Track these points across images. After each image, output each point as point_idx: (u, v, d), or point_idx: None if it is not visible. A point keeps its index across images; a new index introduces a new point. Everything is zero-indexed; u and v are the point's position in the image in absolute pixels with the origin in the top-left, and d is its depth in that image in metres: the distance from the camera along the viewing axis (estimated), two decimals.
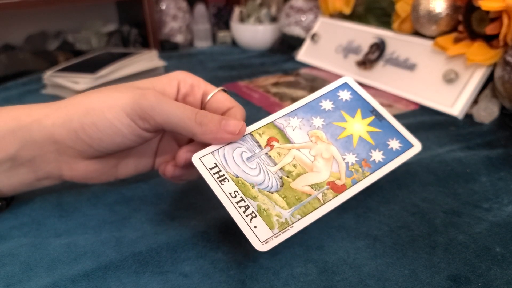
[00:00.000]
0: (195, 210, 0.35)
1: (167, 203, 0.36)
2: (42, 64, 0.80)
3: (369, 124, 0.32)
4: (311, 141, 0.31)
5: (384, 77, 0.64)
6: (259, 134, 0.31)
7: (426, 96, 0.58)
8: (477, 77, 0.54)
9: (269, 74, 0.75)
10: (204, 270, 0.28)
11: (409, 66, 0.61)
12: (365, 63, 0.66)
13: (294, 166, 0.29)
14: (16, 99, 0.65)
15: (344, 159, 0.30)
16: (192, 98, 0.33)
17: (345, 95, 0.33)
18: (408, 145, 0.32)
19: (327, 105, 0.33)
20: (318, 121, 0.32)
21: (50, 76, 0.65)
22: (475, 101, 0.55)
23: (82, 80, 0.62)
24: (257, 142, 0.30)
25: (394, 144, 0.31)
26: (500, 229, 0.32)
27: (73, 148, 0.30)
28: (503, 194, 0.37)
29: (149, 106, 0.28)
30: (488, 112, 0.53)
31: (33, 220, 0.34)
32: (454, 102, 0.55)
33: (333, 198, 0.28)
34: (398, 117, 0.55)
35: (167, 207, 0.35)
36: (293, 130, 0.31)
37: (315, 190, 0.29)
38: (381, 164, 0.30)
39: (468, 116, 0.54)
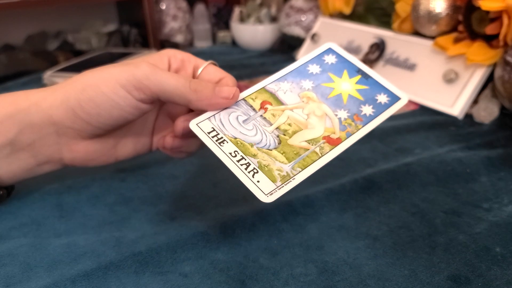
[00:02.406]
0: (195, 210, 0.35)
1: (167, 203, 0.36)
2: (42, 64, 0.80)
3: (357, 83, 0.33)
4: (303, 101, 0.32)
5: (384, 77, 0.64)
6: (252, 99, 0.32)
7: (426, 96, 0.58)
8: (477, 77, 0.54)
9: (269, 74, 0.75)
10: (204, 270, 0.28)
11: (409, 66, 0.61)
12: (365, 63, 0.66)
13: (289, 125, 0.30)
14: None
15: (336, 115, 0.31)
16: (183, 72, 0.34)
17: (330, 59, 0.35)
18: (395, 98, 0.33)
19: (314, 69, 0.34)
20: (307, 84, 0.33)
21: (50, 76, 0.65)
22: (475, 101, 0.55)
23: None
24: (251, 106, 0.31)
25: (382, 98, 0.32)
26: (500, 229, 0.32)
27: (72, 128, 0.31)
28: (503, 194, 0.37)
29: (143, 76, 0.29)
30: (488, 112, 0.53)
31: (33, 220, 0.34)
32: (454, 102, 0.55)
33: (330, 150, 0.29)
34: (398, 117, 0.55)
35: (167, 207, 0.35)
36: (284, 93, 0.32)
37: (312, 145, 0.29)
38: (372, 117, 0.31)
39: (468, 116, 0.54)
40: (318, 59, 0.35)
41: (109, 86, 0.29)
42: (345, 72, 0.34)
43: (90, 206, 0.36)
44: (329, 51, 0.35)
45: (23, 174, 0.33)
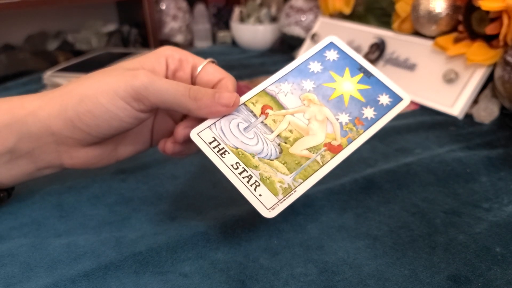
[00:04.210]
0: (195, 210, 0.35)
1: (167, 203, 0.36)
2: (42, 64, 0.80)
3: (359, 82, 0.33)
4: (304, 104, 0.31)
5: None
6: (253, 103, 0.31)
7: (426, 96, 0.58)
8: (477, 77, 0.54)
9: (269, 74, 0.75)
10: (204, 270, 0.28)
11: (409, 66, 0.61)
12: None
13: (290, 131, 0.30)
14: None
15: (337, 119, 0.31)
16: (182, 73, 0.33)
17: (332, 55, 0.34)
18: (397, 99, 0.32)
19: (315, 67, 0.33)
20: (308, 84, 0.32)
21: (50, 76, 0.65)
22: (475, 101, 0.55)
23: None
24: (252, 112, 0.31)
25: (384, 99, 0.32)
26: (500, 229, 0.32)
27: (71, 138, 0.30)
28: (503, 194, 0.37)
29: (142, 86, 0.28)
30: (488, 112, 0.53)
31: (33, 220, 0.34)
32: (454, 102, 0.55)
33: (331, 158, 0.29)
34: (398, 117, 0.55)
35: (167, 207, 0.35)
36: (285, 95, 0.32)
37: (313, 153, 0.29)
38: (373, 121, 0.31)
39: (468, 116, 0.54)
40: (320, 55, 0.34)
41: (107, 97, 0.28)
42: (347, 70, 0.33)
43: (90, 206, 0.36)
44: (331, 45, 0.34)
45: (23, 178, 0.33)
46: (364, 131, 0.30)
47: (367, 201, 0.36)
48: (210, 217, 0.34)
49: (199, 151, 0.31)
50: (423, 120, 0.53)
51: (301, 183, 0.28)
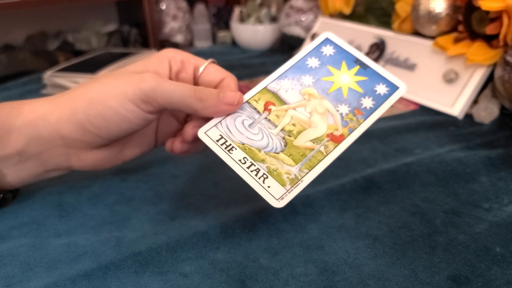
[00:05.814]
0: (195, 210, 0.35)
1: (167, 203, 0.36)
2: (42, 64, 0.80)
3: (356, 74, 0.34)
4: (305, 99, 0.32)
5: None
6: (256, 100, 0.32)
7: (426, 96, 0.58)
8: (477, 77, 0.54)
9: (269, 74, 0.75)
10: (204, 270, 0.28)
11: (409, 66, 0.61)
12: None
13: (294, 125, 0.31)
14: (16, 99, 0.64)
15: (338, 110, 0.32)
16: (184, 74, 0.34)
17: (328, 50, 0.35)
18: (394, 88, 0.33)
19: (313, 62, 0.34)
20: (307, 79, 0.33)
21: (50, 76, 0.65)
22: (475, 101, 0.55)
23: (82, 80, 0.62)
24: (255, 109, 0.32)
25: (381, 89, 0.33)
26: (500, 229, 0.32)
27: (81, 141, 0.31)
28: (503, 194, 0.37)
29: (150, 89, 0.29)
30: (488, 112, 0.53)
31: (33, 220, 0.34)
32: (454, 102, 0.55)
33: (334, 148, 0.30)
34: (398, 117, 0.55)
35: (167, 207, 0.36)
36: (286, 91, 0.33)
37: (317, 144, 0.30)
38: (372, 110, 0.32)
39: (468, 116, 0.54)
40: (316, 51, 0.35)
41: (117, 100, 0.29)
42: (344, 64, 0.34)
43: (91, 205, 0.36)
44: (327, 41, 0.35)
45: (30, 179, 0.33)
46: (364, 120, 0.31)
47: (367, 201, 0.36)
48: (210, 217, 0.34)
49: (205, 149, 0.32)
50: (423, 120, 0.53)
51: (307, 173, 0.29)
